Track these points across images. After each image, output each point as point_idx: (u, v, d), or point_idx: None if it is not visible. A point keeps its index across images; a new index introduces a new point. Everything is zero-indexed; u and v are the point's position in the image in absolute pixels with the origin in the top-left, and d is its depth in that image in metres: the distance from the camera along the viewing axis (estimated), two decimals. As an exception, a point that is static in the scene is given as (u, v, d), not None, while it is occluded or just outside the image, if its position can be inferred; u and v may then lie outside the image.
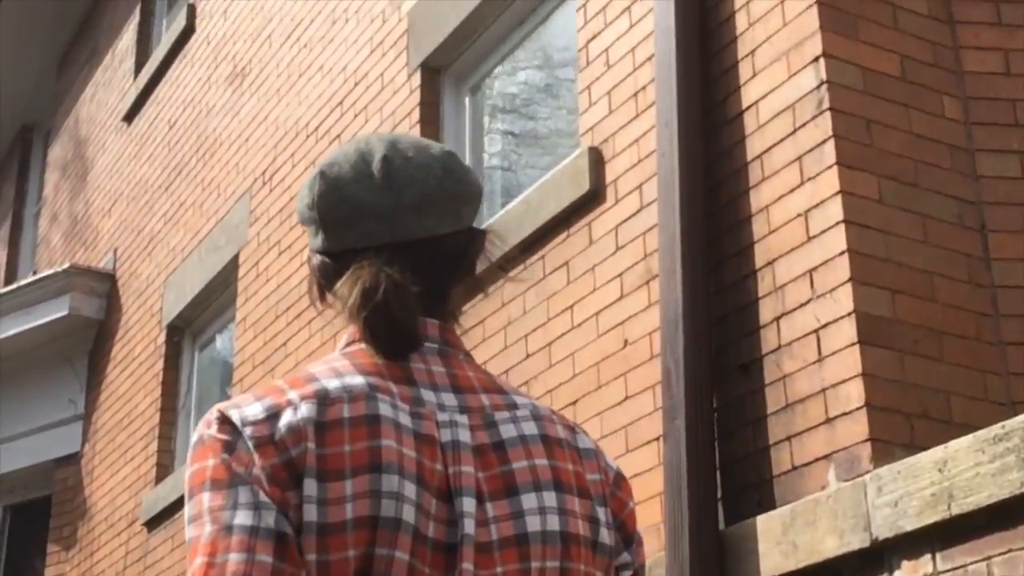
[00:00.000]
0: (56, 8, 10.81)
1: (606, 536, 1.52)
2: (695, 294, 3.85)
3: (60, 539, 9.00)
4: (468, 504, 1.42)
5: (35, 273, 9.83)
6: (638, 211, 4.25)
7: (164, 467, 7.81)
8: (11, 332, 9.23)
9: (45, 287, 9.14)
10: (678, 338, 3.83)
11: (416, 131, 5.56)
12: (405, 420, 1.44)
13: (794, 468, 3.55)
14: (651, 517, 3.96)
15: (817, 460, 3.47)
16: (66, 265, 9.24)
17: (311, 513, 1.36)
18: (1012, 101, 3.89)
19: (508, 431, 1.51)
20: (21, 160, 12.09)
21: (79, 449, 9.11)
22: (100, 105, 10.23)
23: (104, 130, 10.03)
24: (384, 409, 1.44)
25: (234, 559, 1.33)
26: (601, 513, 1.52)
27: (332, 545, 1.36)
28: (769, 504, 3.59)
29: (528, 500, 1.46)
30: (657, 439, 3.97)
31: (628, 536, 1.58)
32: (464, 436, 1.47)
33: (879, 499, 3.21)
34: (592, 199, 4.48)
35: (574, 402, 4.39)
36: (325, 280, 1.59)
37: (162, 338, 8.18)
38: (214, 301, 7.77)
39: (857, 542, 3.24)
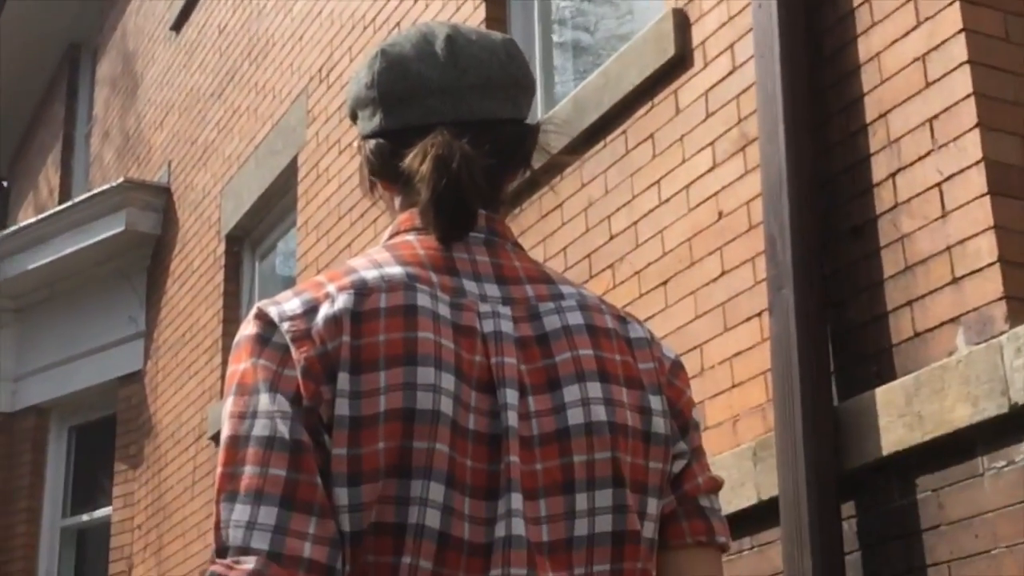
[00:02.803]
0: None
1: (661, 425, 1.48)
2: (799, 154, 3.56)
3: (127, 458, 8.87)
4: (511, 396, 1.39)
5: (89, 191, 9.63)
6: (730, 73, 3.95)
7: (229, 380, 7.61)
8: (67, 251, 9.07)
9: (100, 204, 8.94)
10: (782, 203, 3.55)
11: (482, 10, 5.26)
12: (444, 311, 1.41)
13: (916, 335, 3.27)
14: (755, 398, 3.71)
15: (943, 324, 3.19)
16: (120, 180, 9.02)
17: (343, 407, 1.34)
18: None
19: (552, 322, 1.46)
20: (70, 80, 11.84)
21: (142, 367, 8.97)
22: (147, 16, 9.97)
23: (152, 42, 9.78)
24: (422, 299, 1.40)
25: (248, 472, 1.33)
26: (655, 402, 1.48)
27: (364, 439, 1.33)
28: (888, 375, 3.31)
29: (571, 392, 1.42)
30: (759, 314, 3.70)
31: (684, 423, 1.53)
32: (507, 327, 1.43)
33: (1018, 360, 2.92)
34: (678, 65, 4.17)
35: (664, 282, 4.12)
36: (380, 162, 1.53)
37: (221, 249, 7.98)
38: (273, 207, 7.55)
39: (993, 408, 2.97)
